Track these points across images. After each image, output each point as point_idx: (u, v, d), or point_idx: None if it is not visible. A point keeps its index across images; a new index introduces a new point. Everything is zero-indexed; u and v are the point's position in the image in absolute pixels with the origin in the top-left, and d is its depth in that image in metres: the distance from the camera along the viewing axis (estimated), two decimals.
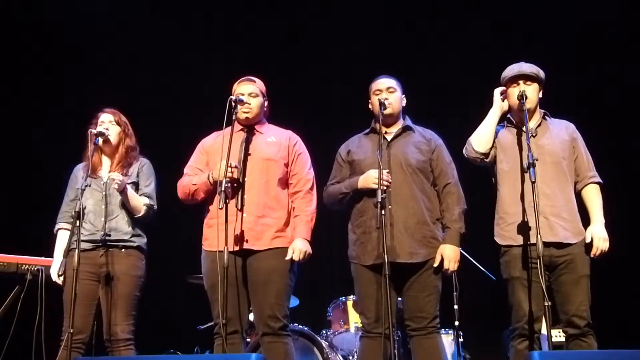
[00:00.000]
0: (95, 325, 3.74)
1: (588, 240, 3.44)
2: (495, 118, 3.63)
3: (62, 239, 3.85)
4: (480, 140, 3.61)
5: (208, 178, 3.50)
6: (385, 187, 3.39)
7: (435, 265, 3.50)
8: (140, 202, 3.83)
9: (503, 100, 3.63)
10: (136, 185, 3.89)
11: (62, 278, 3.70)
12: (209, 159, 3.65)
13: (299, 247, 3.47)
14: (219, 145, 3.48)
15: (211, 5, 6.43)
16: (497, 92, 3.65)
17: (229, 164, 3.35)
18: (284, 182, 3.63)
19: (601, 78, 5.99)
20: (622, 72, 5.95)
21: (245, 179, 3.50)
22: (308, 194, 3.63)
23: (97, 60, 6.27)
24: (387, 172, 3.48)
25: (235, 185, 3.44)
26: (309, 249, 3.52)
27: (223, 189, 3.26)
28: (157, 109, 6.31)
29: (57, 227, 3.89)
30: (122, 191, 3.74)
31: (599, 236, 3.43)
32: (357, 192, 3.59)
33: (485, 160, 3.63)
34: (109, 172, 3.85)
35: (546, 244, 3.31)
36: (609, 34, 5.96)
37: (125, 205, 3.81)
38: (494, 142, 3.62)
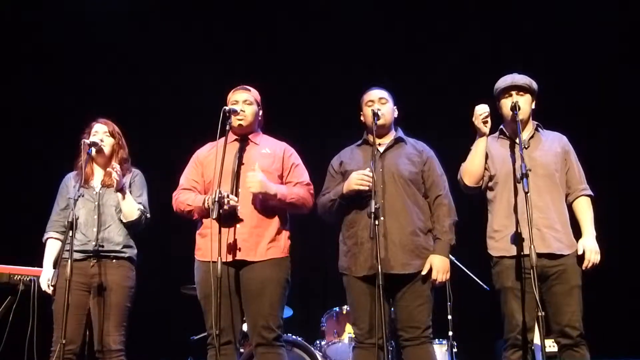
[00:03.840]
0: (84, 335, 3.73)
1: (580, 253, 3.45)
2: (483, 147, 3.56)
3: (51, 248, 3.85)
4: (471, 175, 3.60)
5: (204, 203, 3.47)
6: (367, 187, 3.38)
7: (423, 273, 3.49)
8: (135, 206, 3.82)
9: (486, 123, 3.51)
10: None
11: (52, 288, 3.68)
12: (203, 171, 3.65)
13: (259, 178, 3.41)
14: (214, 156, 3.48)
15: (207, 15, 6.45)
16: (479, 119, 3.49)
17: (227, 196, 3.33)
18: None
19: (594, 90, 6.04)
20: (616, 84, 5.99)
21: (239, 190, 3.49)
22: (307, 186, 3.65)
23: (90, 71, 6.29)
24: (369, 170, 3.44)
25: (233, 184, 3.45)
26: (263, 188, 3.41)
27: (217, 199, 3.26)
28: (151, 117, 6.32)
29: (46, 236, 3.88)
30: (121, 189, 3.74)
31: (590, 249, 3.44)
32: (343, 198, 3.58)
33: (480, 189, 3.64)
34: (102, 184, 3.86)
35: (539, 255, 3.32)
36: (604, 45, 6.01)
37: (117, 215, 3.81)
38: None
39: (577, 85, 6.04)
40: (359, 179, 3.45)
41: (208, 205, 3.40)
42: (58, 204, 3.93)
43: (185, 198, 3.59)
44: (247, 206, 3.48)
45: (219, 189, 3.29)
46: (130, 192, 3.88)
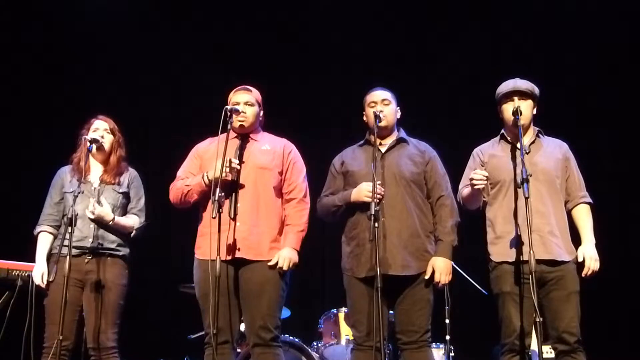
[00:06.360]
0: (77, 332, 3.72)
1: (580, 260, 3.46)
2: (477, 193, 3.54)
3: (44, 242, 3.82)
4: (471, 204, 3.64)
5: (203, 178, 3.48)
6: (377, 200, 3.37)
7: (426, 277, 3.49)
8: (131, 225, 3.85)
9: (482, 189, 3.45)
10: (126, 197, 3.90)
11: (45, 283, 3.67)
12: (202, 164, 3.64)
13: (284, 255, 3.47)
14: (214, 150, 3.48)
15: (207, 14, 6.45)
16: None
17: (228, 160, 3.35)
18: (278, 191, 3.62)
19: (594, 97, 6.04)
20: (617, 87, 5.99)
21: (239, 187, 3.49)
22: (301, 202, 3.63)
23: (89, 65, 6.28)
24: (380, 184, 3.46)
25: (233, 180, 3.44)
26: (296, 258, 3.52)
27: (217, 199, 3.25)
28: (150, 115, 6.31)
29: (38, 229, 3.84)
30: (109, 223, 3.74)
31: (590, 256, 3.45)
32: (350, 205, 3.59)
33: (485, 201, 3.64)
34: (100, 180, 3.86)
35: (539, 261, 3.32)
36: (604, 45, 6.01)
37: (114, 214, 3.80)
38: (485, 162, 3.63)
39: (577, 89, 6.05)
40: (370, 192, 3.41)
41: (208, 179, 3.42)
42: (51, 197, 3.90)
43: (182, 182, 3.60)
44: (247, 205, 3.48)
45: (218, 188, 3.29)
46: (128, 194, 3.89)
